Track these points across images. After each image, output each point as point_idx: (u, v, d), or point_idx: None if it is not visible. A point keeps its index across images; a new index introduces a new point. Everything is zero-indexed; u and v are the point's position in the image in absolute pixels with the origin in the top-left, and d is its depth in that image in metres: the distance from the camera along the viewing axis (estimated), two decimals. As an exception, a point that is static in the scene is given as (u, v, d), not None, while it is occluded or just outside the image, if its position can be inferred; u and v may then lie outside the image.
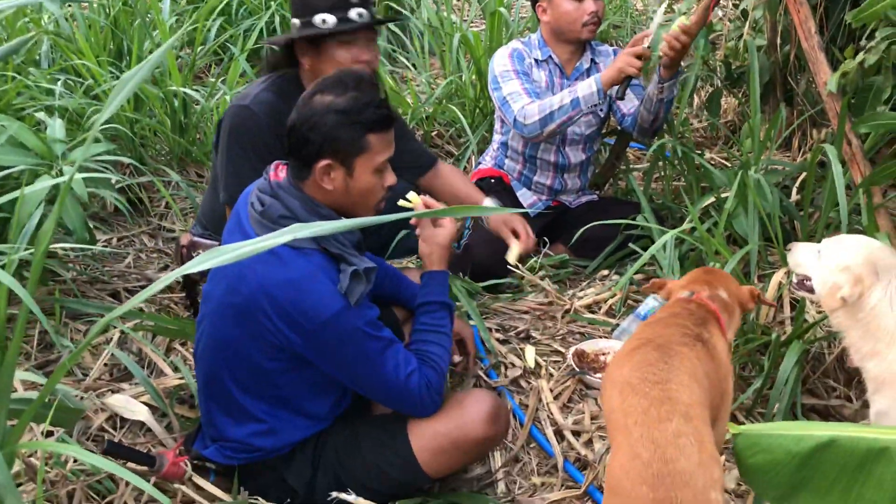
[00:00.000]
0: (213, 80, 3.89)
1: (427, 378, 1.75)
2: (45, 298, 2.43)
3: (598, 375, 2.26)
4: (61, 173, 2.45)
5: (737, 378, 2.20)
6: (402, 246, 2.55)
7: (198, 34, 3.81)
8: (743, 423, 2.10)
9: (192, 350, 2.13)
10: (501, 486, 2.00)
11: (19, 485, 1.72)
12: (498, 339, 2.48)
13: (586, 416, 2.18)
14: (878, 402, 1.70)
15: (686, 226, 2.52)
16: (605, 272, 2.84)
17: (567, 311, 2.61)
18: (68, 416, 1.77)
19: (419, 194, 1.97)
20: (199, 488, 1.83)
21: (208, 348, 1.79)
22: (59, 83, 3.22)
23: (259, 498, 1.80)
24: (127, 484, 1.86)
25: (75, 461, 1.88)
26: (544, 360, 2.39)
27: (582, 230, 2.69)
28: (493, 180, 2.99)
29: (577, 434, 2.13)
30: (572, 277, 2.88)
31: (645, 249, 2.52)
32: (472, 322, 2.42)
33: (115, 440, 2.02)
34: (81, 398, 2.12)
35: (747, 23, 3.07)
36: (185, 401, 2.18)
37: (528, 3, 3.06)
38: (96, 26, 3.68)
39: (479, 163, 3.12)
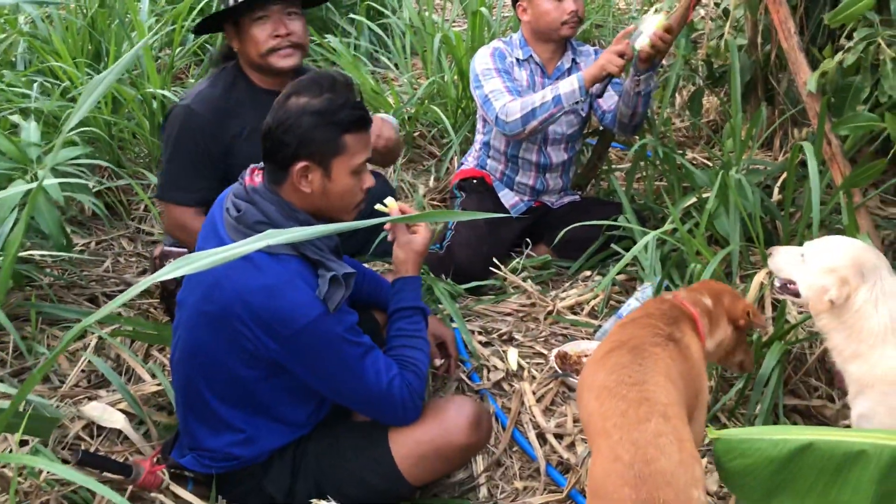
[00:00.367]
0: (192, 81, 3.85)
1: (408, 382, 1.74)
2: (21, 304, 2.40)
3: (581, 378, 2.25)
4: (36, 178, 2.41)
5: (719, 379, 2.21)
6: (376, 249, 2.54)
7: (176, 35, 3.76)
8: (725, 425, 2.12)
9: (170, 356, 2.11)
10: (483, 491, 1.99)
11: (-8, 496, 1.70)
12: (480, 342, 2.47)
13: (569, 419, 2.17)
14: (860, 405, 1.68)
15: (668, 226, 2.52)
16: (588, 273, 2.83)
17: (550, 313, 2.61)
18: (43, 426, 1.75)
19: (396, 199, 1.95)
20: (177, 497, 1.81)
21: (184, 356, 1.77)
22: (35, 85, 3.18)
23: (238, 506, 1.78)
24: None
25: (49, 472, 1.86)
26: (527, 363, 2.38)
27: (564, 231, 2.68)
28: (475, 181, 2.98)
29: (559, 437, 2.12)
30: (555, 278, 2.88)
31: (627, 250, 2.52)
32: (454, 325, 2.41)
33: (92, 449, 1.99)
34: (58, 406, 2.09)
35: (728, 22, 3.07)
36: (164, 407, 2.15)
37: (510, 2, 3.05)
38: (73, 28, 3.63)
39: (462, 163, 3.11)
